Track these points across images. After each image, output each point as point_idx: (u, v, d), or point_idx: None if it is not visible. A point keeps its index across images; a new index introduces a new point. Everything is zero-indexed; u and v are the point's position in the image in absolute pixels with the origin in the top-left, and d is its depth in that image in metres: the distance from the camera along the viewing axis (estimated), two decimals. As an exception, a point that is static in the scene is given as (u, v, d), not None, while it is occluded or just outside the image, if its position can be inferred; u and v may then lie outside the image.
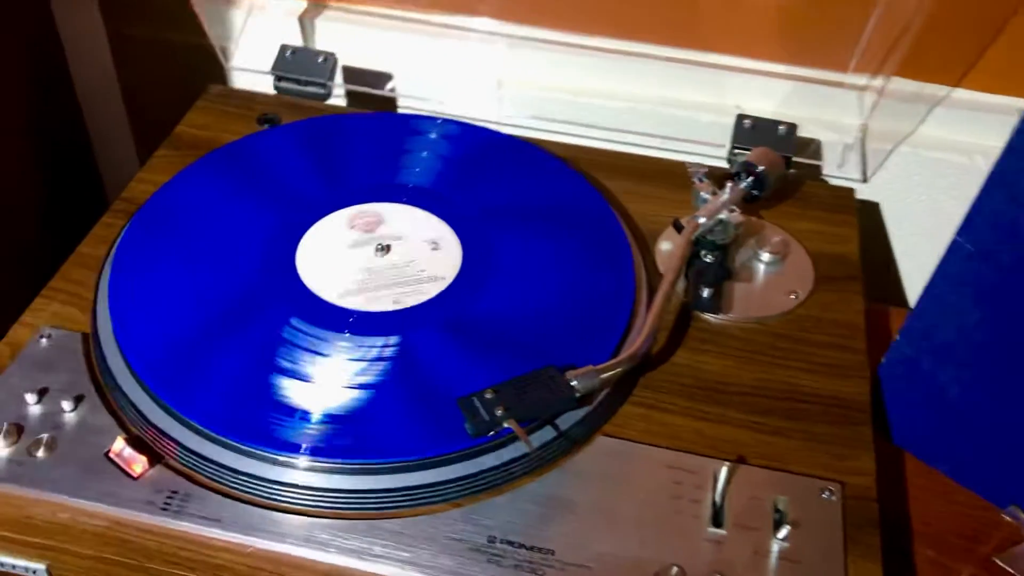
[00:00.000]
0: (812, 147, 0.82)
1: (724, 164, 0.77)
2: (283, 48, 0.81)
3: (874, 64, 0.83)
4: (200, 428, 0.53)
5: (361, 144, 0.73)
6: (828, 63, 0.84)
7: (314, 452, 0.52)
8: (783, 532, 0.51)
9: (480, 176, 0.70)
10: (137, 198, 0.70)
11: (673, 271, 0.61)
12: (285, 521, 0.51)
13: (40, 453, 0.53)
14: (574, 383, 0.54)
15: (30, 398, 0.55)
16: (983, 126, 0.84)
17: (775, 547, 0.51)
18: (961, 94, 0.84)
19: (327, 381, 0.56)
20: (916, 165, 0.86)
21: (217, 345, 0.57)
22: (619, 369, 0.55)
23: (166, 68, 0.92)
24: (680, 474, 0.54)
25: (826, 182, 0.79)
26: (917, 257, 0.89)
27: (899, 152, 0.86)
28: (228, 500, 0.52)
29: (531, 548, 0.50)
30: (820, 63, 0.84)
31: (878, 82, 0.83)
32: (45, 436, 0.54)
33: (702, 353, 0.62)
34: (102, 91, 0.92)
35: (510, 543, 0.51)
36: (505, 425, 0.51)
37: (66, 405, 0.55)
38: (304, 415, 0.54)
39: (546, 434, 0.54)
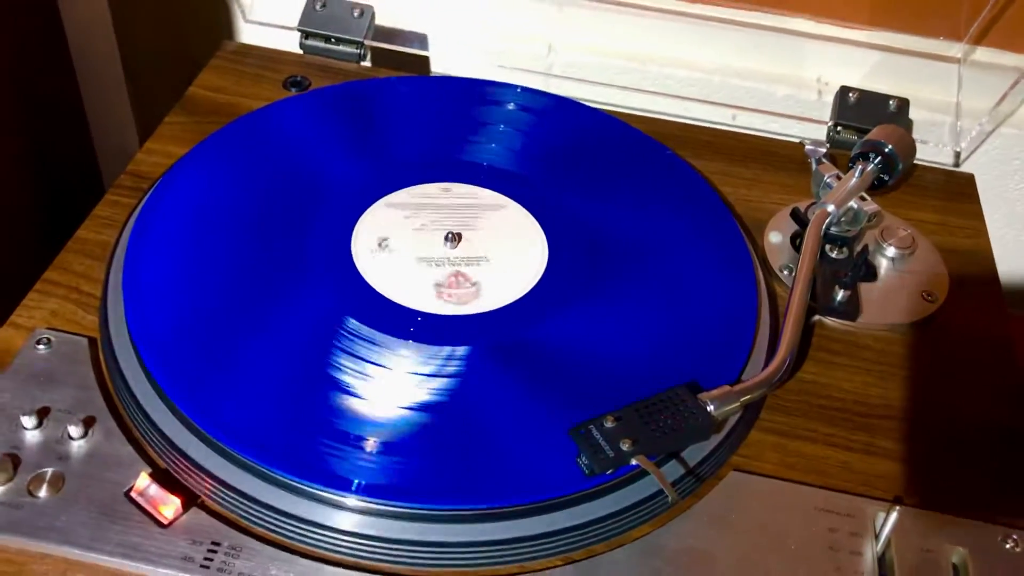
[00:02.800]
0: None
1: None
2: (311, 1, 0.69)
3: (973, 32, 0.73)
4: (248, 462, 0.42)
5: (415, 113, 0.62)
6: (920, 29, 0.75)
7: (398, 495, 0.41)
8: (970, 594, 0.41)
9: (572, 160, 0.59)
10: (147, 172, 0.59)
11: (806, 272, 0.51)
12: (361, 582, 0.41)
13: (42, 493, 0.42)
14: (710, 407, 0.44)
15: (27, 422, 0.44)
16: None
17: (962, 611, 0.42)
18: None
19: (404, 406, 0.45)
20: (1019, 148, 0.77)
21: (264, 355, 0.47)
22: (761, 390, 0.45)
23: (170, 20, 0.80)
24: (834, 519, 0.45)
25: (941, 167, 0.69)
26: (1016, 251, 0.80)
27: (999, 133, 0.77)
28: (288, 553, 0.41)
29: (666, 615, 0.41)
30: (910, 29, 0.75)
31: (977, 54, 0.74)
32: (48, 471, 0.43)
33: (834, 367, 0.52)
34: (96, 42, 0.80)
35: (641, 610, 0.41)
36: (633, 462, 0.41)
37: (74, 431, 0.44)
38: (386, 449, 0.43)
39: (671, 471, 0.44)
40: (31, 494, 0.42)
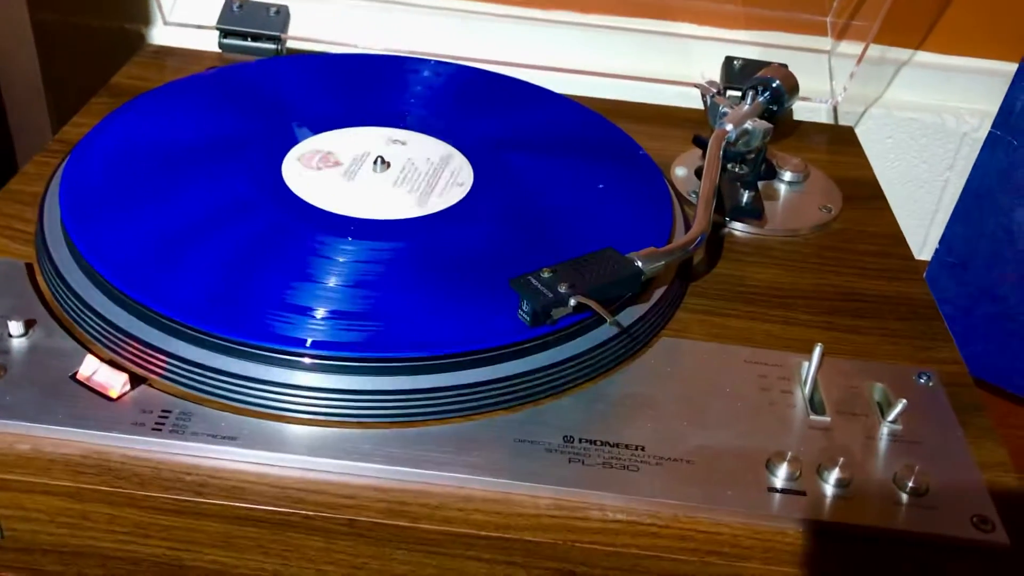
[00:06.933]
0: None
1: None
2: (229, 1, 0.73)
3: (843, 28, 0.82)
4: (199, 331, 0.43)
5: (341, 82, 0.65)
6: (799, 26, 0.83)
7: (345, 347, 0.42)
8: (893, 414, 0.44)
9: (485, 109, 0.63)
10: (75, 140, 0.60)
11: (712, 170, 0.55)
12: (317, 435, 0.41)
13: (-16, 379, 0.42)
14: (638, 263, 0.46)
15: (-36, 325, 0.44)
16: (950, 86, 0.84)
17: (886, 430, 0.44)
18: (924, 56, 0.85)
19: (348, 270, 0.47)
20: (889, 127, 0.85)
21: (202, 241, 0.48)
22: (683, 252, 0.49)
23: (90, 28, 0.82)
24: (762, 368, 0.47)
25: (823, 123, 0.76)
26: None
27: (870, 114, 0.85)
28: (240, 417, 0.42)
29: (616, 445, 0.42)
30: (791, 25, 0.83)
31: (847, 46, 0.82)
32: (-10, 359, 0.42)
33: (747, 265, 0.56)
34: (16, 50, 0.81)
35: (591, 442, 0.42)
36: (572, 303, 0.43)
37: (14, 328, 0.44)
38: (332, 306, 0.44)
39: (602, 335, 0.47)
40: (-29, 382, 0.42)
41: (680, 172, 0.63)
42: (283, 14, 0.73)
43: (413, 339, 0.43)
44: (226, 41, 0.73)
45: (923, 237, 0.88)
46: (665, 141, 0.67)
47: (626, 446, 0.42)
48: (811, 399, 0.46)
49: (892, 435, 0.44)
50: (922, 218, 0.88)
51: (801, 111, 0.81)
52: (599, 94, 0.75)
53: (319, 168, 0.55)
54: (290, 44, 0.75)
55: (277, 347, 0.42)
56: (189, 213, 0.50)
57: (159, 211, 0.50)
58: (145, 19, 0.82)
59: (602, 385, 0.46)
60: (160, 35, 0.81)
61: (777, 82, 0.62)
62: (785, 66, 0.70)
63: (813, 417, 0.44)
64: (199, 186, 0.52)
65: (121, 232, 0.48)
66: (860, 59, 0.77)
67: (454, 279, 0.47)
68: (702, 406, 0.45)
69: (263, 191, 0.52)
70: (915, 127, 0.85)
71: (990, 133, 0.66)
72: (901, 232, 0.60)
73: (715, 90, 0.63)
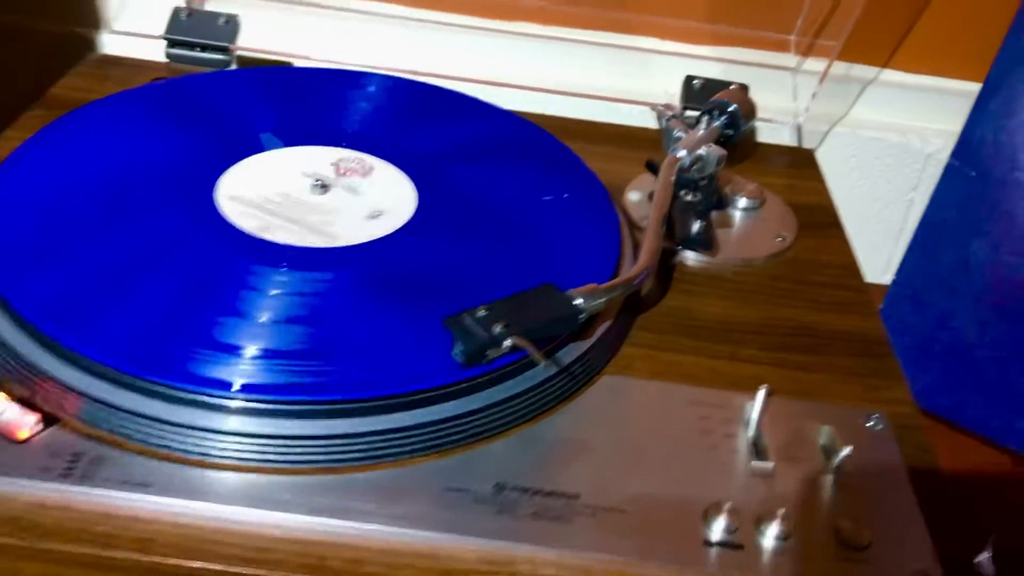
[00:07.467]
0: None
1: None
2: (177, 10, 0.71)
3: (809, 43, 0.80)
4: (111, 370, 0.41)
5: (280, 98, 0.63)
6: (763, 43, 0.81)
7: (266, 390, 0.41)
8: (839, 459, 0.43)
9: (429, 127, 0.61)
10: (2, 158, 0.58)
11: (662, 200, 0.54)
12: (235, 481, 0.39)
13: None
14: (578, 301, 0.45)
15: None
16: (915, 106, 0.83)
17: (831, 477, 0.43)
18: (889, 75, 0.83)
19: (274, 307, 0.45)
20: (853, 146, 0.84)
21: (122, 272, 0.46)
22: (625, 288, 0.47)
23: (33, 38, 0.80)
24: (705, 409, 0.46)
25: (783, 145, 0.74)
26: (853, 238, 0.86)
27: (834, 133, 0.83)
28: (155, 461, 0.40)
29: (550, 494, 0.40)
30: (755, 43, 0.81)
31: (812, 63, 0.81)
32: None
33: (697, 296, 0.54)
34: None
35: (523, 489, 0.40)
36: (507, 344, 0.42)
37: (-79, 363, 0.42)
38: (255, 345, 0.42)
39: (539, 375, 0.45)
40: None
41: (634, 197, 0.61)
42: (232, 24, 0.71)
43: (339, 381, 0.41)
44: (173, 51, 0.71)
45: (887, 258, 0.87)
46: (621, 163, 0.65)
47: (560, 494, 0.40)
48: (755, 443, 0.44)
49: (836, 483, 0.43)
50: (887, 238, 0.87)
51: (765, 129, 0.80)
52: (558, 111, 0.73)
53: (254, 191, 0.53)
54: (241, 54, 0.73)
55: (192, 388, 0.40)
56: (110, 241, 0.48)
57: (78, 238, 0.48)
58: (96, 24, 0.80)
59: (539, 427, 0.44)
60: (110, 43, 0.79)
61: (734, 106, 0.61)
62: (745, 88, 0.68)
63: (755, 463, 0.43)
64: (122, 212, 0.50)
65: (37, 261, 0.46)
66: (823, 78, 0.76)
67: (384, 314, 0.45)
68: (641, 451, 0.43)
69: (191, 218, 0.50)
70: (880, 147, 0.84)
71: (948, 163, 0.65)
72: (856, 262, 0.59)
73: (671, 113, 0.61)
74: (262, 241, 0.49)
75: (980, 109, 0.63)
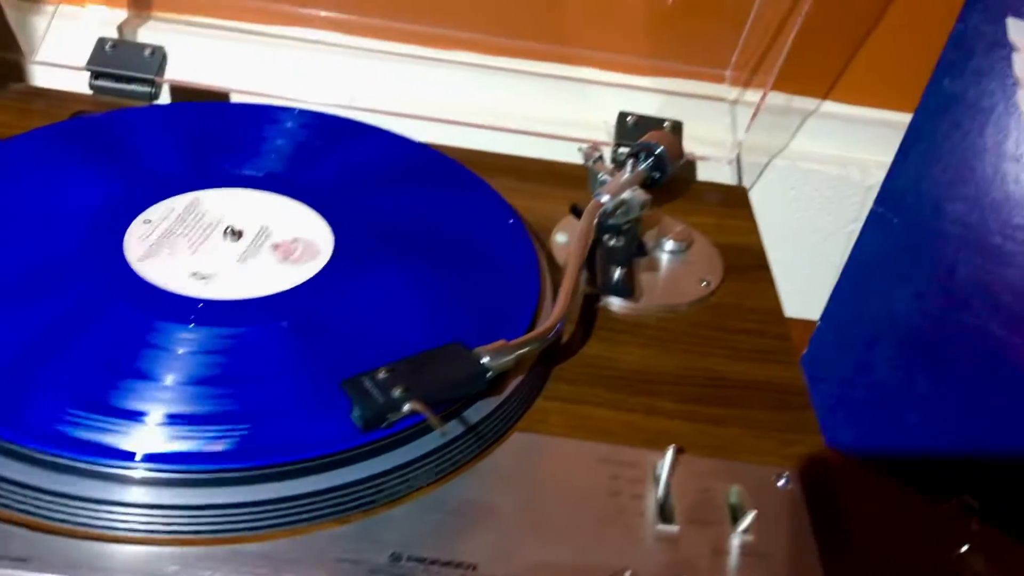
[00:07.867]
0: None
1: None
2: (101, 41, 0.69)
3: (747, 77, 0.80)
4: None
5: (193, 133, 0.62)
6: (700, 76, 0.81)
7: (153, 459, 0.39)
8: (744, 523, 0.42)
9: (342, 164, 0.60)
10: (-89, 196, 0.56)
11: (580, 250, 0.53)
12: (115, 553, 0.38)
13: None
14: (484, 359, 0.44)
15: None
16: (855, 138, 0.83)
17: (736, 541, 0.42)
18: (830, 107, 0.83)
19: (166, 371, 0.43)
20: (793, 178, 0.83)
21: (11, 325, 0.44)
22: (536, 344, 0.46)
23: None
24: (616, 468, 0.45)
25: (716, 183, 0.74)
26: (792, 271, 0.85)
27: (773, 165, 0.83)
28: (35, 533, 0.38)
29: (447, 564, 0.40)
30: (692, 75, 0.81)
31: (751, 95, 0.80)
32: None
33: (617, 344, 0.54)
34: None
35: (419, 560, 0.40)
36: (406, 409, 0.41)
37: None
38: (137, 413, 0.41)
39: (443, 437, 0.44)
40: None
41: (561, 239, 0.60)
42: (158, 55, 0.70)
43: (230, 449, 0.40)
44: (98, 83, 0.69)
45: (827, 291, 0.87)
46: (549, 201, 0.64)
47: (457, 564, 0.40)
48: (662, 506, 0.43)
49: (742, 547, 0.42)
50: (827, 271, 0.87)
51: (703, 164, 0.79)
52: (494, 146, 0.72)
53: (163, 239, 0.52)
54: (177, 84, 0.72)
55: (65, 455, 0.39)
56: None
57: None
58: (19, 51, 0.78)
59: (444, 489, 0.43)
60: (39, 72, 0.77)
61: (661, 148, 0.60)
62: (678, 127, 0.68)
63: (660, 527, 0.42)
64: (11, 255, 0.48)
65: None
66: (757, 109, 0.76)
67: (280, 375, 0.44)
68: (546, 514, 0.42)
69: (90, 267, 0.49)
70: (820, 179, 0.83)
71: (872, 211, 0.65)
72: (780, 308, 0.58)
73: (597, 154, 0.61)
74: (167, 293, 0.48)
75: (904, 155, 0.63)
